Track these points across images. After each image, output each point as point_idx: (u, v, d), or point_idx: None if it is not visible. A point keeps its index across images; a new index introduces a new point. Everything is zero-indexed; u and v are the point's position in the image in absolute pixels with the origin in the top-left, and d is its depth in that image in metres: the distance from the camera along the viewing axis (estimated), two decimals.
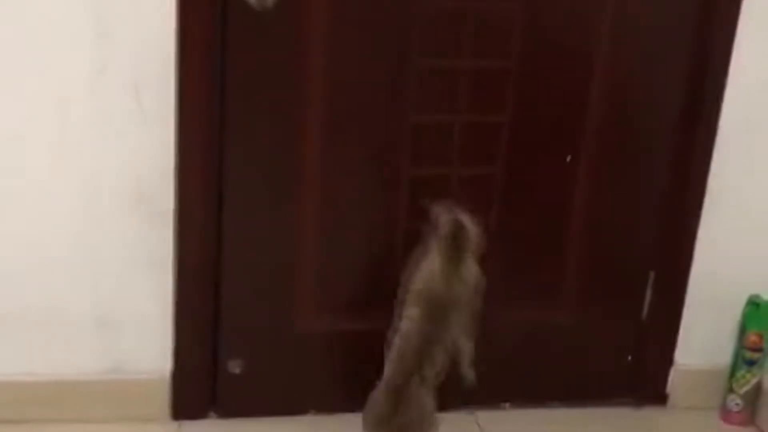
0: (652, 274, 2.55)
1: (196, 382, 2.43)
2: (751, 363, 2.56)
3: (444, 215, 2.21)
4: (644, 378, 2.62)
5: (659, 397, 2.63)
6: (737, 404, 2.58)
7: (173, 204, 2.30)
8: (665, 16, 2.34)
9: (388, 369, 2.20)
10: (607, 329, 2.58)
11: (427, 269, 2.21)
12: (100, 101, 2.20)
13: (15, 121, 2.21)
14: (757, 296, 2.55)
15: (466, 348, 2.23)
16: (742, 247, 2.52)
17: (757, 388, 2.58)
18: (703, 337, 2.59)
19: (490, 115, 2.36)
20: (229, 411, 2.46)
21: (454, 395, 2.30)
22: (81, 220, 2.29)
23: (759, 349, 2.55)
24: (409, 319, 2.19)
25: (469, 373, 2.22)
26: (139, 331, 2.38)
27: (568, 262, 2.52)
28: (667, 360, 2.61)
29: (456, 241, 2.19)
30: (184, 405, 2.43)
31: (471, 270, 2.22)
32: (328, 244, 2.39)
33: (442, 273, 2.19)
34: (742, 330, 2.56)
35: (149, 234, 2.31)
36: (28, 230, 2.28)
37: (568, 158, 2.42)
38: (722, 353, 2.59)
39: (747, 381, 2.57)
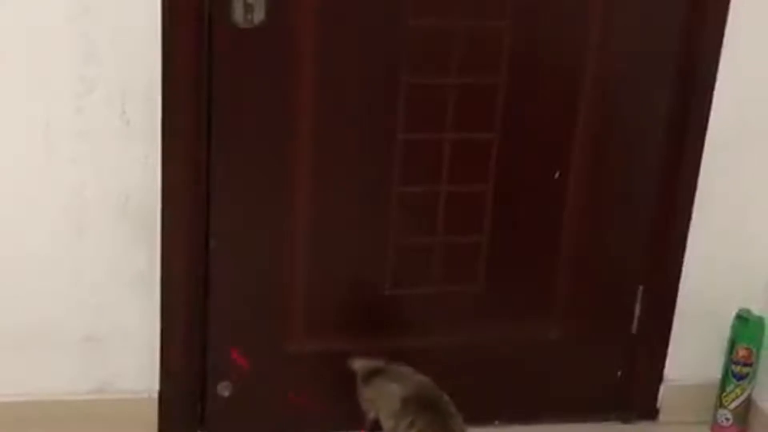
0: (641, 289, 2.55)
1: (184, 403, 2.41)
2: (740, 377, 2.56)
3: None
4: (634, 393, 2.61)
5: (649, 413, 2.62)
6: (727, 419, 2.58)
7: (159, 221, 2.28)
8: (652, 32, 2.34)
9: None
10: (596, 344, 2.57)
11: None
12: (87, 119, 2.19)
13: (2, 137, 2.19)
14: (746, 310, 2.55)
15: None
16: (730, 261, 2.53)
17: (747, 403, 2.58)
18: (693, 352, 2.59)
19: (479, 133, 2.35)
20: None
21: None
22: (66, 237, 2.27)
23: (748, 364, 2.55)
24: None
25: None
26: (125, 349, 2.36)
27: (557, 277, 2.52)
28: (657, 375, 2.60)
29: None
30: (171, 425, 2.40)
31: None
32: (318, 264, 2.38)
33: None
34: (732, 344, 2.56)
35: (136, 252, 2.30)
36: (13, 247, 2.27)
37: (557, 174, 2.41)
38: (712, 368, 2.59)
39: (737, 395, 2.57)
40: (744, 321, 2.54)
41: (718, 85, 2.37)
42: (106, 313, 2.33)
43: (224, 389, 2.40)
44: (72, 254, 2.29)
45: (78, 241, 2.28)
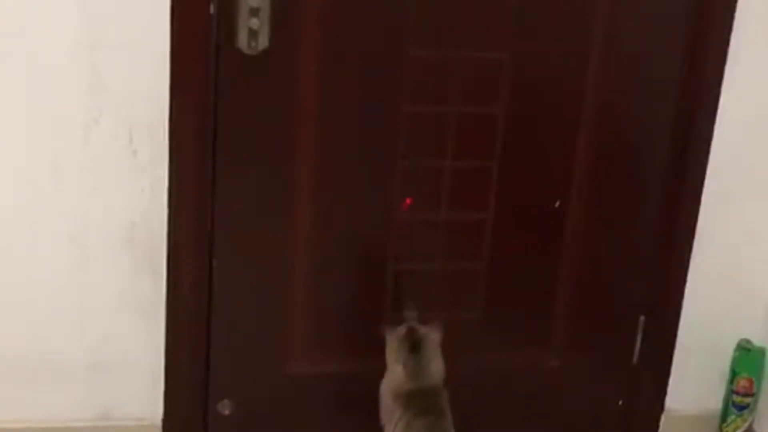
0: (642, 319, 2.56)
1: (187, 429, 2.42)
2: (741, 408, 2.56)
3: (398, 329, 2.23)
4: (635, 423, 2.61)
5: None
6: None
7: (165, 249, 2.30)
8: (651, 64, 2.37)
9: None
10: (597, 374, 2.58)
11: (391, 375, 2.21)
12: (94, 149, 2.21)
13: (10, 167, 2.22)
14: (746, 341, 2.56)
15: None
16: (731, 292, 2.54)
17: None
18: (694, 382, 2.59)
19: (478, 161, 2.38)
20: None
21: None
22: (72, 265, 2.29)
23: (749, 394, 2.55)
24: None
25: None
26: (129, 376, 2.38)
27: (559, 306, 2.53)
28: (658, 405, 2.60)
29: (412, 343, 2.20)
30: None
31: (436, 365, 2.21)
32: (319, 287, 2.40)
33: (406, 371, 2.18)
34: (733, 375, 2.56)
35: (141, 279, 2.32)
36: (19, 274, 2.29)
37: (557, 204, 2.43)
38: (713, 398, 2.60)
39: (738, 426, 2.57)
40: (745, 351, 2.55)
41: (719, 115, 2.39)
42: (111, 341, 2.35)
43: (224, 408, 2.41)
44: (78, 282, 2.31)
45: (84, 268, 2.30)
